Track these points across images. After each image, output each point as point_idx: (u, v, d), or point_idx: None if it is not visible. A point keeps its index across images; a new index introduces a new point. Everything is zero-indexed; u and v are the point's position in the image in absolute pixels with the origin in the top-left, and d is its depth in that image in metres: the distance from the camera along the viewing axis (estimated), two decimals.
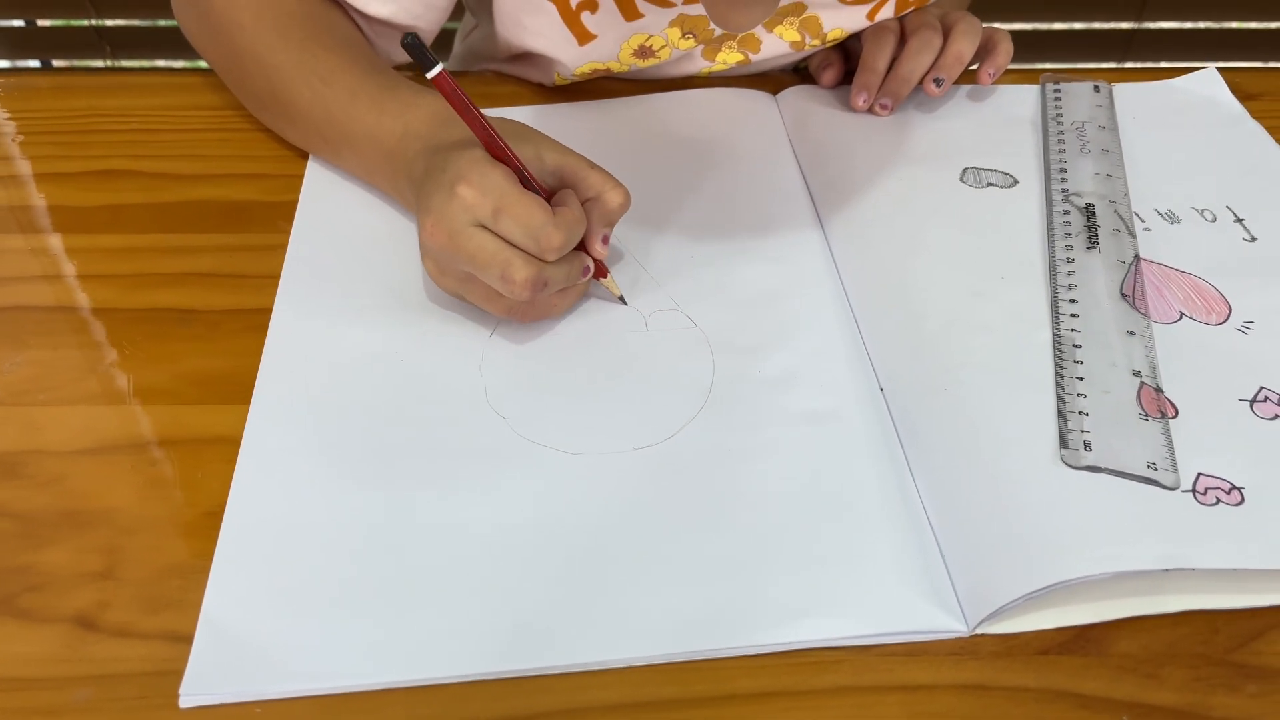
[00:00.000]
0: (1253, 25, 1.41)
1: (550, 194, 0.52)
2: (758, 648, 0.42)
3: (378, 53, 0.69)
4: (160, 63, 1.53)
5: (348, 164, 0.63)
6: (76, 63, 1.52)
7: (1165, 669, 0.42)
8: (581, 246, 0.53)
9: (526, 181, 0.51)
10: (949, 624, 0.42)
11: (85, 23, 1.42)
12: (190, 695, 0.40)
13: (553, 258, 0.50)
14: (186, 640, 0.42)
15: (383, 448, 0.49)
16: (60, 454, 0.49)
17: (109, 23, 1.41)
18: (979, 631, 0.43)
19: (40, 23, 1.49)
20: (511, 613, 0.43)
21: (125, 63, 1.49)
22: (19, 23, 1.48)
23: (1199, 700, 0.41)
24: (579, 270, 0.53)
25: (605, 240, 0.53)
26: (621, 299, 0.56)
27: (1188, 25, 1.40)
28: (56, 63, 1.53)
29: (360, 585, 0.44)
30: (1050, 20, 1.40)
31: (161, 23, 1.44)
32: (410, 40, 0.47)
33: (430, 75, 0.48)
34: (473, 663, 0.41)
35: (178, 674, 0.41)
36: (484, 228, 0.49)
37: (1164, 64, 0.73)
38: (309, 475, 0.48)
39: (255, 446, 0.49)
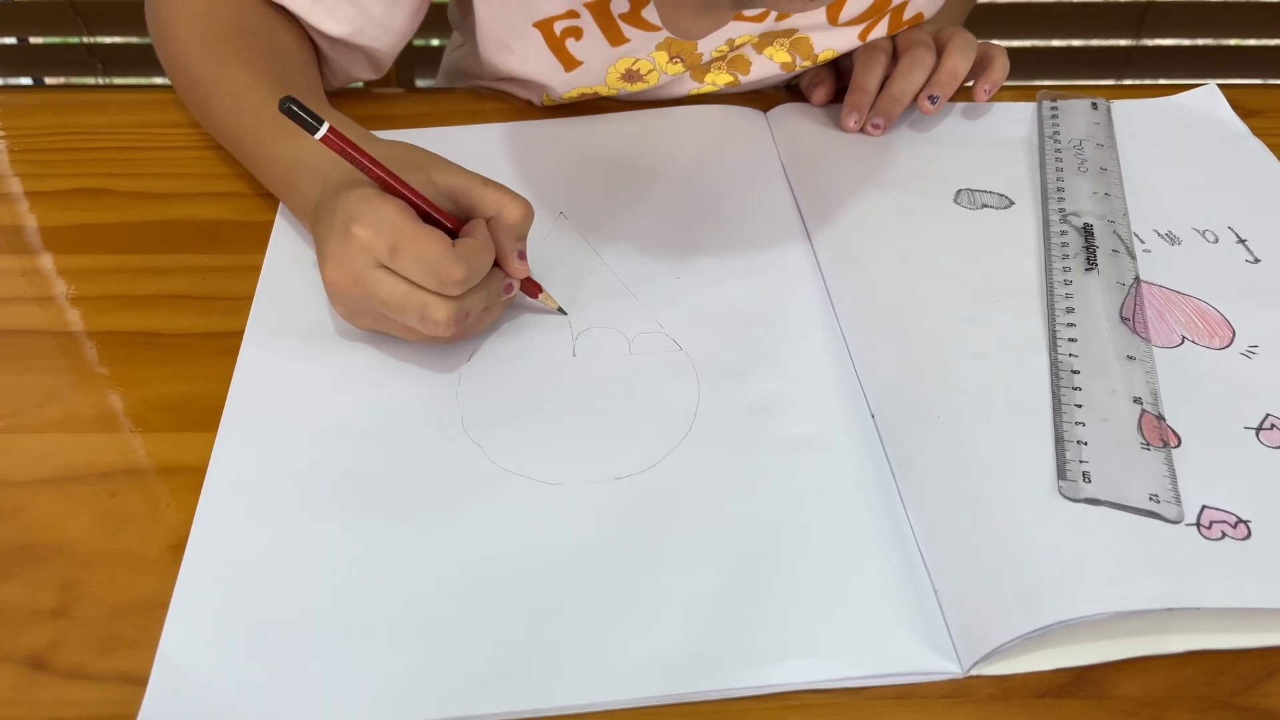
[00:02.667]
0: (1252, 42, 1.40)
1: (459, 221, 0.50)
2: (740, 691, 0.40)
3: (331, 71, 0.68)
4: (157, 80, 1.51)
5: (264, 183, 0.61)
6: (70, 80, 1.51)
7: (1170, 713, 0.40)
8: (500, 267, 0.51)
9: (425, 213, 0.49)
10: (942, 665, 0.40)
11: (77, 40, 1.40)
12: None
13: (455, 291, 0.47)
14: (141, 683, 0.40)
15: (353, 478, 0.47)
16: (18, 484, 0.47)
17: (101, 40, 1.40)
18: (973, 673, 0.41)
19: (33, 40, 1.48)
20: (483, 653, 0.41)
21: (118, 79, 1.47)
22: (11, 40, 1.47)
23: None
24: (498, 290, 0.51)
25: (521, 256, 0.51)
26: (560, 310, 0.55)
27: (1187, 42, 1.38)
28: (50, 80, 1.52)
29: (326, 624, 0.42)
30: (1047, 37, 1.39)
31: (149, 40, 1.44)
32: (286, 106, 0.45)
33: (318, 136, 0.46)
34: (443, 706, 0.39)
35: (130, 718, 0.39)
36: (386, 268, 0.47)
37: (1163, 81, 0.71)
38: (275, 507, 0.46)
39: (221, 477, 0.47)
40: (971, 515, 0.44)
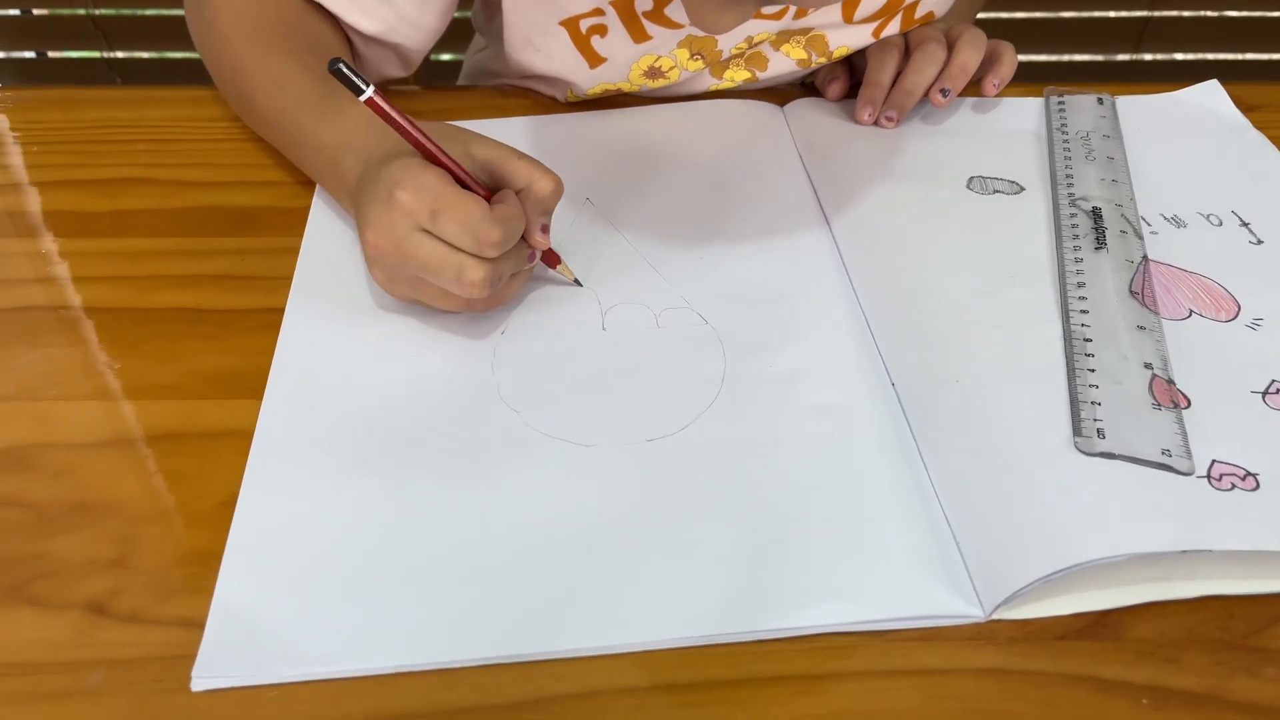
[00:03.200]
0: (1250, 57, 1.42)
1: (490, 193, 0.52)
2: (771, 633, 0.42)
3: (363, 69, 0.70)
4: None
5: (305, 169, 0.63)
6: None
7: (1184, 653, 0.41)
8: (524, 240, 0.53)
9: (463, 182, 0.51)
10: (965, 609, 0.42)
11: (97, 54, 1.43)
12: (202, 678, 0.40)
13: (492, 253, 0.49)
14: (199, 626, 0.42)
15: (395, 440, 0.49)
16: (71, 446, 0.49)
17: (120, 54, 1.42)
18: (995, 617, 0.42)
19: (51, 54, 1.50)
20: (524, 599, 0.42)
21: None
22: (30, 54, 1.49)
23: (1218, 684, 0.40)
24: (524, 258, 0.53)
25: (545, 230, 0.53)
26: (576, 281, 0.57)
27: (1185, 57, 1.40)
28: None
29: (372, 573, 0.43)
30: (1047, 51, 1.41)
31: (170, 55, 1.46)
32: (335, 67, 0.47)
33: (363, 99, 0.48)
34: (485, 647, 0.41)
35: (190, 659, 0.40)
36: (427, 232, 0.49)
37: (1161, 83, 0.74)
38: (322, 466, 0.47)
39: (268, 438, 0.49)
40: (991, 469, 0.46)
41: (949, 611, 0.42)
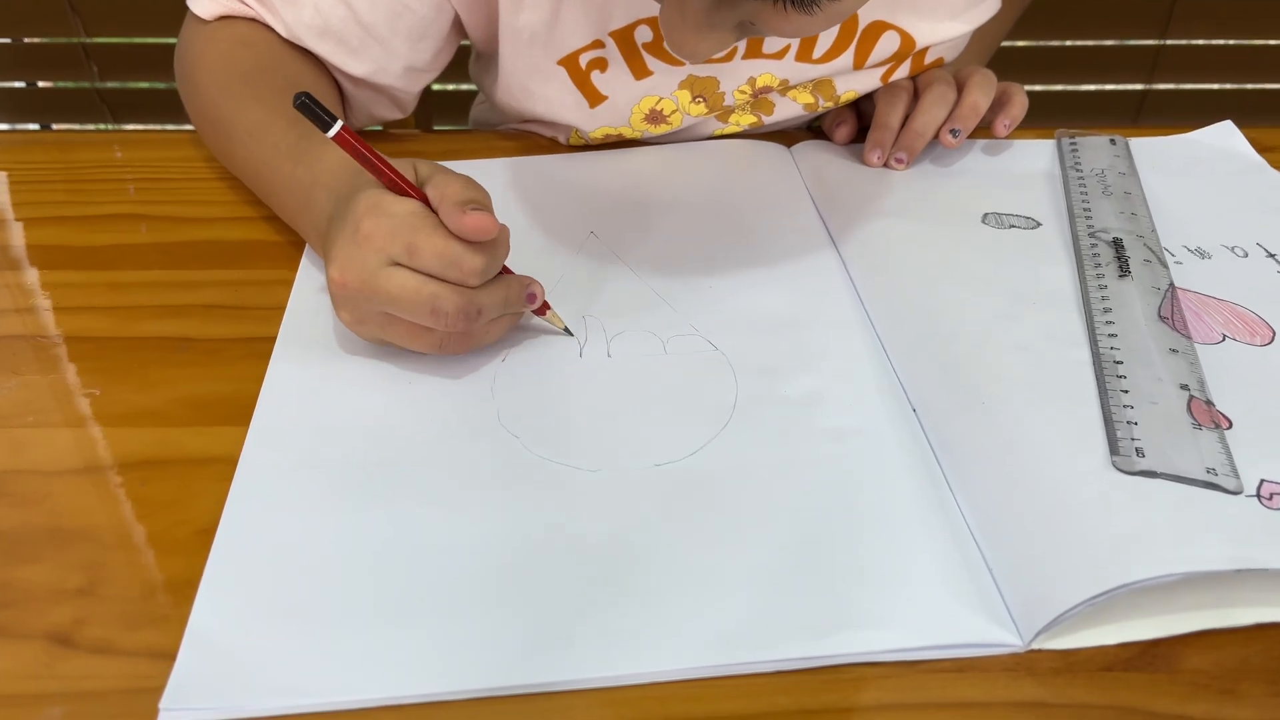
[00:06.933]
0: (1268, 86, 1.38)
1: None
2: (792, 662, 0.38)
3: (353, 112, 0.70)
4: (163, 127, 1.50)
5: (283, 214, 0.61)
6: (77, 127, 1.50)
7: (1241, 685, 0.38)
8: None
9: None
10: (1002, 637, 0.39)
11: (87, 85, 1.41)
12: (170, 710, 0.36)
13: (475, 281, 0.47)
14: (169, 657, 0.38)
15: (387, 467, 0.46)
16: (45, 473, 0.46)
17: (110, 85, 1.41)
18: (1035, 647, 0.39)
19: (40, 84, 1.47)
20: (522, 628, 0.39)
21: (127, 126, 1.46)
22: (19, 84, 1.47)
23: None
24: (517, 297, 0.51)
25: (533, 296, 0.51)
26: (567, 330, 0.54)
27: (1201, 86, 1.37)
28: (57, 126, 1.51)
29: (359, 602, 0.40)
30: (1059, 82, 1.39)
31: (162, 85, 1.44)
32: (300, 101, 0.45)
33: (330, 134, 0.46)
34: (480, 679, 0.38)
35: (158, 691, 0.37)
36: (399, 265, 0.47)
37: (1176, 126, 0.72)
38: (309, 493, 0.45)
39: (254, 464, 0.46)
40: (1023, 491, 0.43)
41: (985, 640, 0.39)
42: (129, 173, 0.69)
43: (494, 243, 0.48)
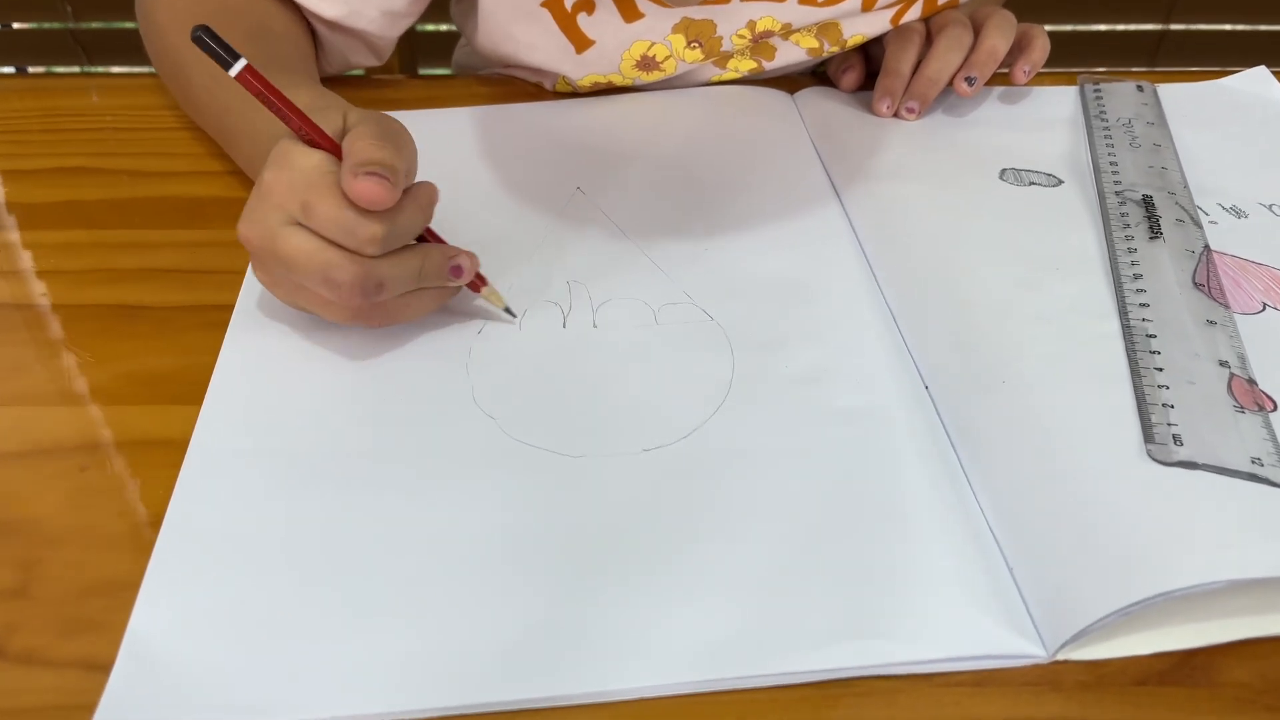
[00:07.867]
0: None
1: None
2: (793, 675, 0.35)
3: (328, 57, 0.65)
4: (140, 69, 1.47)
5: (242, 164, 0.56)
6: (52, 69, 1.46)
7: None
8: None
9: None
10: (1025, 648, 0.35)
11: (61, 25, 1.37)
12: None
13: (372, 250, 0.42)
14: (104, 669, 0.35)
15: (351, 452, 0.42)
16: None
17: (86, 25, 1.37)
18: (1061, 658, 0.35)
19: (16, 26, 1.44)
20: (497, 637, 0.35)
21: (101, 68, 1.43)
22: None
23: None
24: (431, 270, 0.45)
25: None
26: (508, 310, 0.48)
27: (1217, 27, 1.34)
28: (32, 69, 1.48)
29: (318, 605, 0.36)
30: (1073, 22, 1.35)
31: (135, 25, 1.41)
32: (198, 34, 0.41)
33: (233, 74, 0.41)
34: (451, 694, 0.34)
35: (90, 708, 0.34)
36: (300, 225, 0.42)
37: (1194, 69, 0.67)
38: (265, 482, 0.41)
39: (205, 449, 0.42)
40: (1049, 484, 0.39)
41: (1006, 651, 0.35)
42: (81, 121, 0.64)
43: (396, 209, 0.42)
